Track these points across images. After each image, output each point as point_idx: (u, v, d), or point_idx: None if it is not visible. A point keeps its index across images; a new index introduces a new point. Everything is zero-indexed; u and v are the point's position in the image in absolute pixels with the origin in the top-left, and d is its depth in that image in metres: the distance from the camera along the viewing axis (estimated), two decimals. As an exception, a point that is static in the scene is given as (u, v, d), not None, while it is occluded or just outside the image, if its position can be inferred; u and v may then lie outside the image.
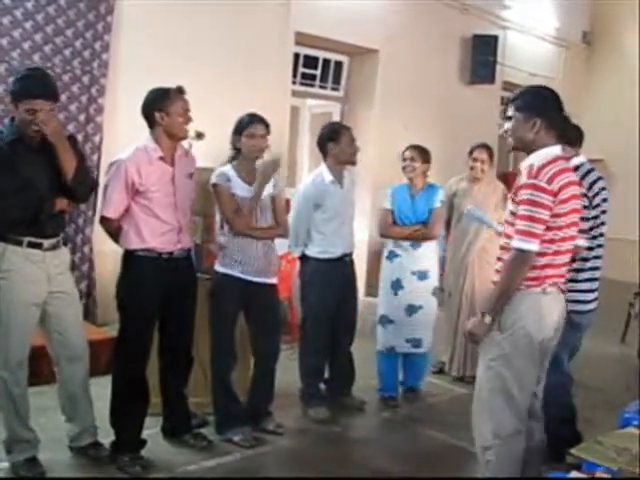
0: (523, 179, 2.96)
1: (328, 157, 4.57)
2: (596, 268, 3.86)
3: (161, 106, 3.62)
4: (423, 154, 4.89)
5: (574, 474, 2.64)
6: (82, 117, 5.77)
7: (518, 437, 3.06)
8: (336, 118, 8.36)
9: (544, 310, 2.99)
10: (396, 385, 5.00)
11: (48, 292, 3.50)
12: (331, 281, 4.51)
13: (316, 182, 4.54)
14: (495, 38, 9.26)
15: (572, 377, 4.01)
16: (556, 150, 3.02)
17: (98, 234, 5.06)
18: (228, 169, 4.02)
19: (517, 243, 2.91)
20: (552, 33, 10.65)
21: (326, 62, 8.35)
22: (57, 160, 3.39)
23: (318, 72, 8.30)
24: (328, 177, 4.52)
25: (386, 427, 4.59)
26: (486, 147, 5.36)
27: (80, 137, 5.60)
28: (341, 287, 4.58)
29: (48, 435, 3.74)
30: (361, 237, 6.84)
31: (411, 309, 4.84)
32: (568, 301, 3.27)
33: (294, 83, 7.83)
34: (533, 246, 2.89)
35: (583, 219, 3.37)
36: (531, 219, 2.89)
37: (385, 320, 4.84)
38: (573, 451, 2.81)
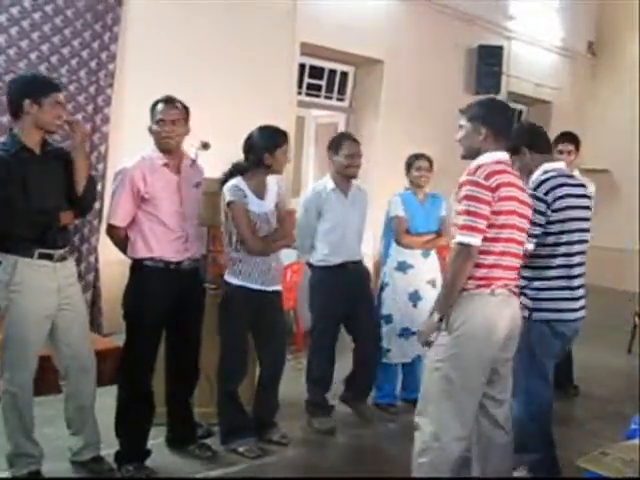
0: (463, 177, 3.01)
1: (332, 166, 4.58)
2: (562, 277, 3.49)
3: (152, 116, 3.68)
4: (431, 162, 4.88)
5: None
6: (88, 127, 5.78)
7: (458, 443, 3.01)
8: (341, 128, 8.39)
9: (493, 312, 2.97)
10: (395, 393, 4.98)
11: (58, 303, 3.45)
12: (335, 289, 4.47)
13: (316, 190, 4.53)
14: (500, 48, 9.30)
15: (552, 393, 3.64)
16: (499, 155, 3.07)
17: (104, 243, 5.07)
18: (242, 184, 3.97)
19: (459, 237, 2.94)
20: (557, 43, 10.66)
21: (332, 72, 8.38)
22: (71, 169, 3.40)
23: (324, 82, 8.33)
24: (330, 185, 4.51)
25: (391, 437, 4.56)
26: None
27: (86, 146, 5.62)
28: (350, 294, 4.51)
29: (51, 445, 3.71)
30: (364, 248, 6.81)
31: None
32: (547, 310, 3.39)
33: (299, 93, 7.86)
34: (475, 240, 2.91)
35: (535, 224, 3.30)
36: (472, 214, 2.92)
37: (409, 333, 4.76)
38: (579, 462, 2.80)
